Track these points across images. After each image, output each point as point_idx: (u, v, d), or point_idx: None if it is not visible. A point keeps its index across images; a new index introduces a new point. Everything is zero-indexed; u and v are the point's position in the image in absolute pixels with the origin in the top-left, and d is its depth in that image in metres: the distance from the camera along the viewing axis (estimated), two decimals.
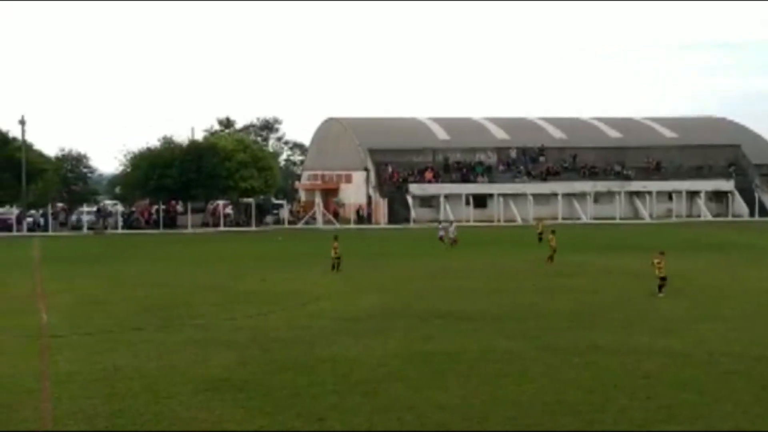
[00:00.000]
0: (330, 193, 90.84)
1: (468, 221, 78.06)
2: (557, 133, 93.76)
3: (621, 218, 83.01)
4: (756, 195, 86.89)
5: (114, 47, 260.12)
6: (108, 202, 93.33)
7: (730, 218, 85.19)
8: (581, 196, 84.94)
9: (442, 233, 57.33)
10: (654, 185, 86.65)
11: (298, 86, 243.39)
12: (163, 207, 77.37)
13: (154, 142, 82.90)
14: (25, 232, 72.43)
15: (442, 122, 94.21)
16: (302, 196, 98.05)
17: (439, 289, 33.67)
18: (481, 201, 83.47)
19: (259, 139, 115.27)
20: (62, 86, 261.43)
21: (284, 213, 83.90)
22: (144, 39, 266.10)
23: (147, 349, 22.27)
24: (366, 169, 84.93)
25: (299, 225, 79.32)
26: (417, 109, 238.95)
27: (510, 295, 31.75)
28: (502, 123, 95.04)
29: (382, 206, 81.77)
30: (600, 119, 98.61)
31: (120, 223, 76.55)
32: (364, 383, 18.42)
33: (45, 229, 74.67)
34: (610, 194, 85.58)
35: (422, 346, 22.35)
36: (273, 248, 55.86)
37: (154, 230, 74.86)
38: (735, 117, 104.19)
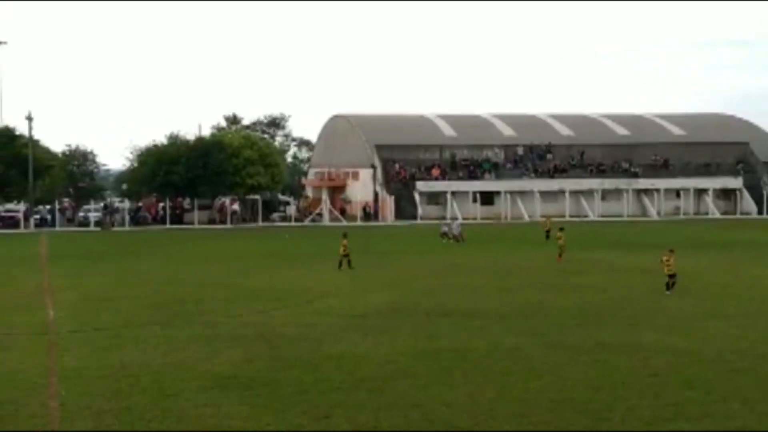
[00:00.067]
0: (337, 190, 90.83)
1: (475, 218, 78.05)
2: (564, 130, 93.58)
3: (628, 216, 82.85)
4: (764, 192, 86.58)
5: (121, 44, 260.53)
6: (115, 198, 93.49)
7: (738, 216, 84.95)
8: (589, 193, 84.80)
9: (445, 229, 57.36)
10: (662, 182, 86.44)
11: (305, 83, 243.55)
12: (169, 204, 77.48)
13: (160, 138, 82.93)
14: (32, 229, 72.58)
15: (449, 119, 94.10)
16: (309, 193, 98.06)
17: (446, 287, 33.63)
18: (488, 198, 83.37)
19: (266, 135, 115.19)
20: (69, 83, 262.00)
21: (291, 210, 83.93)
22: (151, 36, 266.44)
23: (154, 346, 22.29)
24: (373, 166, 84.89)
25: (306, 222, 79.33)
26: (424, 105, 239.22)
27: (517, 293, 31.70)
28: (510, 120, 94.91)
29: (389, 203, 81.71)
30: (607, 116, 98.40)
31: (127, 220, 76.68)
32: (370, 380, 18.41)
33: (52, 225, 74.85)
34: (618, 191, 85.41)
35: (429, 344, 22.32)
36: (280, 245, 55.85)
37: (161, 227, 74.95)
38: (743, 114, 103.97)
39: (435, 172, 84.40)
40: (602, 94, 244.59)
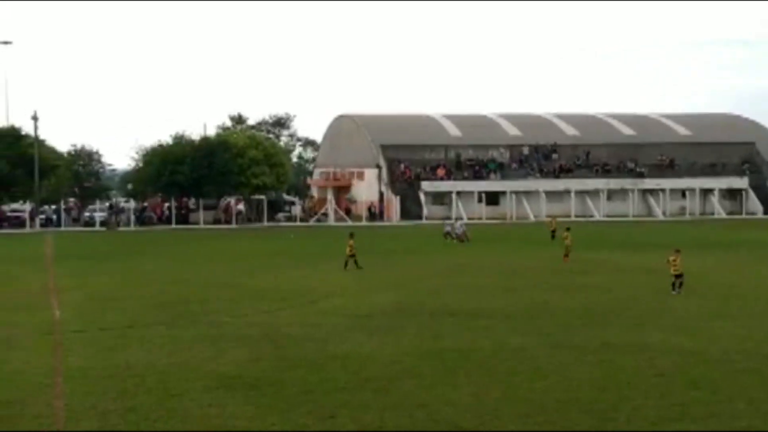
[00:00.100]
0: (342, 190, 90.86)
1: (480, 218, 78.03)
2: (570, 130, 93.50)
3: (634, 216, 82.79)
4: None
5: (127, 44, 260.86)
6: (120, 198, 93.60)
7: (744, 216, 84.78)
8: (594, 193, 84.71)
9: (448, 229, 57.33)
10: (667, 182, 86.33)
11: (311, 83, 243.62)
12: (175, 203, 77.57)
13: (166, 138, 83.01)
14: (37, 228, 72.71)
15: (455, 119, 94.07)
16: (314, 192, 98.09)
17: (451, 287, 33.61)
18: (493, 198, 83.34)
19: (271, 135, 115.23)
20: (74, 83, 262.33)
21: (296, 210, 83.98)
22: (157, 36, 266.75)
23: (159, 346, 22.31)
24: (378, 166, 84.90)
25: (311, 222, 79.36)
26: (429, 105, 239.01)
27: (522, 293, 31.67)
28: (515, 120, 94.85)
29: (394, 203, 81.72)
30: (613, 116, 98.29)
31: (132, 220, 76.78)
32: (375, 380, 18.40)
33: (57, 225, 74.98)
34: (624, 192, 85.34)
35: (434, 344, 22.30)
36: (285, 245, 55.88)
37: (166, 227, 75.04)
38: (749, 114, 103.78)
39: (440, 172, 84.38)
40: (603, 94, 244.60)
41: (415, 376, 18.83)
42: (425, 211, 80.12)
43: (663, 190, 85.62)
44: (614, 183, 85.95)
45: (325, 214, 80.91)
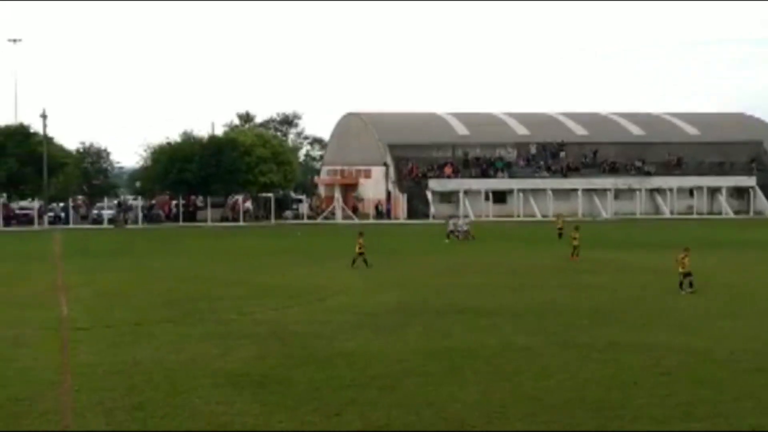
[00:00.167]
0: (349, 188, 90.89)
1: (487, 217, 78.00)
2: (578, 129, 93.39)
3: (641, 214, 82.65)
4: None
5: (135, 42, 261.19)
6: (128, 196, 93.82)
7: (751, 215, 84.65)
8: (602, 192, 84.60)
9: (451, 228, 57.30)
10: (675, 181, 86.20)
11: (318, 81, 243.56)
12: (182, 201, 77.71)
13: (174, 136, 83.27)
14: (46, 226, 72.92)
15: (462, 117, 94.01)
16: (322, 191, 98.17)
17: (458, 285, 33.62)
18: (500, 197, 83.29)
19: (278, 133, 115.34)
20: (83, 81, 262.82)
21: (303, 208, 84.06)
22: (165, 34, 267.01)
23: (167, 343, 22.37)
24: (385, 164, 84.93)
25: (318, 220, 79.40)
26: (437, 104, 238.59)
27: (529, 292, 31.67)
28: (523, 118, 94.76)
29: (401, 201, 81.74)
30: (621, 114, 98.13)
31: (140, 217, 76.97)
32: (382, 378, 18.43)
33: (66, 222, 75.20)
34: (631, 190, 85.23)
35: (441, 342, 22.33)
36: (292, 243, 55.95)
37: (174, 224, 75.17)
38: (757, 113, 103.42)
39: (447, 170, 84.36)
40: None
41: (421, 374, 18.86)
42: (432, 210, 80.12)
43: (670, 189, 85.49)
44: (622, 182, 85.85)
45: (333, 213, 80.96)
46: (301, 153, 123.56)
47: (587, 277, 35.88)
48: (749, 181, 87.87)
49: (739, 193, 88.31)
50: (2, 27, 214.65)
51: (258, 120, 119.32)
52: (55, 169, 77.85)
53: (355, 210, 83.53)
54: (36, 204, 76.89)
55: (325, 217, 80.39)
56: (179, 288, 33.25)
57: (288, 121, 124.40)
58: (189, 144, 79.88)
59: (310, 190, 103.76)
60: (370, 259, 39.53)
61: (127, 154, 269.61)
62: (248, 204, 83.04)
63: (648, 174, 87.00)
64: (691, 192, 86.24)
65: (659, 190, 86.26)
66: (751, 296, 30.71)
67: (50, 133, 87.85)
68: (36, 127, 78.76)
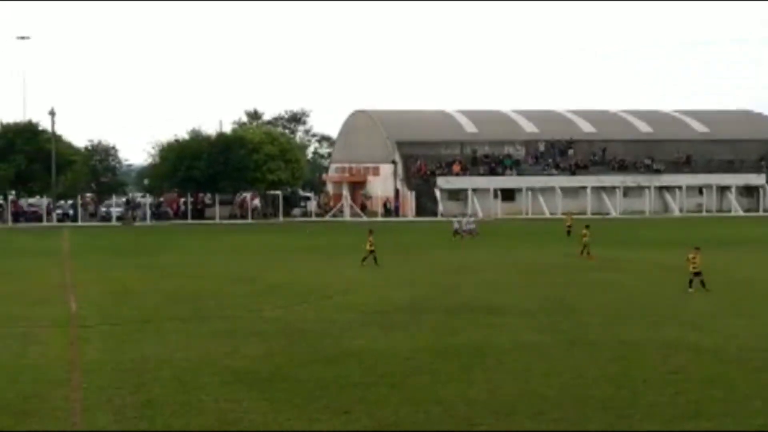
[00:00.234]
0: (357, 185, 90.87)
1: (496, 215, 77.93)
2: (587, 126, 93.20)
3: (650, 212, 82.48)
4: None
5: (144, 40, 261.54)
6: (137, 193, 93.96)
7: (761, 213, 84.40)
8: (610, 189, 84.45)
9: (456, 226, 57.15)
10: (684, 179, 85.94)
11: (326, 79, 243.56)
12: (191, 199, 77.83)
13: (182, 134, 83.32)
14: (54, 223, 73.10)
15: (471, 115, 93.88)
16: (330, 188, 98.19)
17: (467, 283, 33.59)
18: (509, 194, 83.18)
19: (287, 131, 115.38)
20: (92, 78, 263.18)
21: (311, 205, 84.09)
22: (173, 32, 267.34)
23: (175, 340, 22.40)
24: (394, 162, 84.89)
25: (326, 217, 79.43)
26: (445, 101, 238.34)
27: (538, 289, 31.63)
28: (531, 116, 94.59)
29: (409, 199, 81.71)
30: (630, 112, 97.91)
31: (148, 215, 77.09)
32: (391, 376, 18.41)
33: (74, 219, 75.39)
34: (640, 188, 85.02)
35: (450, 340, 22.30)
36: (300, 240, 55.98)
37: (182, 222, 75.28)
38: (767, 111, 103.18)
39: (456, 168, 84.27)
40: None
41: (430, 372, 18.84)
42: (441, 207, 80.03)
43: (679, 187, 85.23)
44: (630, 179, 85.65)
45: (341, 210, 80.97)
46: (309, 150, 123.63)
47: (596, 275, 35.82)
48: (759, 179, 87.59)
49: (749, 191, 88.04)
50: (11, 25, 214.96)
51: (266, 117, 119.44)
52: (63, 167, 77.99)
53: (363, 208, 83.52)
54: (44, 201, 77.04)
55: (333, 215, 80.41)
56: (187, 285, 33.28)
57: (296, 119, 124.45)
58: (197, 141, 79.96)
59: (318, 187, 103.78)
60: (379, 258, 39.48)
61: (136, 152, 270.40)
62: (256, 201, 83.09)
63: (657, 172, 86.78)
64: (700, 190, 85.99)
65: (668, 188, 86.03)
66: (761, 294, 30.62)
67: (59, 130, 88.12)
68: (44, 124, 79.02)
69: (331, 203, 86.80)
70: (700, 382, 17.94)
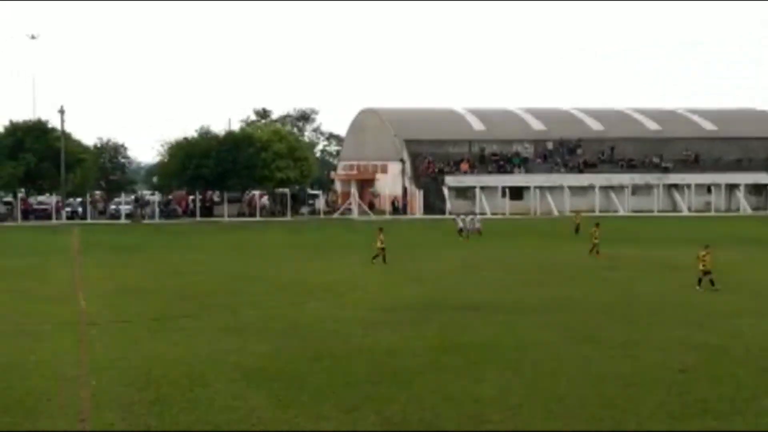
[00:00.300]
0: (365, 183, 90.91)
1: (504, 213, 77.88)
2: (595, 125, 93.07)
3: (659, 211, 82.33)
4: None
5: (153, 38, 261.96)
6: (145, 191, 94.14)
7: None
8: (619, 188, 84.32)
9: (461, 225, 57.06)
10: (693, 178, 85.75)
11: (335, 77, 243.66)
12: (199, 197, 77.96)
13: (191, 132, 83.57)
14: (63, 221, 73.28)
15: (479, 113, 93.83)
16: (338, 186, 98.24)
17: (475, 281, 33.61)
18: (517, 193, 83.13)
19: (295, 129, 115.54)
20: (101, 77, 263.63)
21: (320, 203, 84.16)
22: (182, 30, 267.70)
23: (184, 338, 22.45)
24: (402, 160, 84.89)
25: (335, 215, 79.47)
26: (453, 100, 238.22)
27: (546, 288, 31.62)
28: (540, 114, 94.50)
29: (417, 197, 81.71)
30: (638, 111, 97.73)
31: (157, 213, 77.25)
32: (399, 374, 18.43)
33: (83, 217, 75.59)
34: (648, 187, 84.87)
35: (458, 338, 22.32)
36: (309, 238, 56.03)
37: (191, 219, 75.41)
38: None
39: (464, 166, 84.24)
40: (634, 89, 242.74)
41: (438, 370, 18.85)
42: (449, 206, 80.00)
43: (688, 186, 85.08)
44: (639, 178, 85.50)
45: (349, 208, 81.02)
46: (318, 149, 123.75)
47: (604, 274, 35.80)
48: (767, 178, 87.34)
49: (757, 189, 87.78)
50: (21, 24, 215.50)
51: (274, 116, 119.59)
52: (72, 165, 78.19)
53: (371, 206, 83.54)
54: (54, 199, 77.24)
55: (342, 213, 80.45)
56: (196, 283, 33.37)
57: (304, 117, 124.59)
58: (206, 140, 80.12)
59: (326, 185, 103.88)
60: (387, 256, 39.51)
61: (145, 150, 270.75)
62: (265, 199, 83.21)
63: (665, 170, 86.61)
64: (708, 188, 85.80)
65: (677, 187, 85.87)
66: None
67: (68, 128, 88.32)
68: (54, 122, 79.22)
69: (339, 201, 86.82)
70: (707, 380, 17.92)
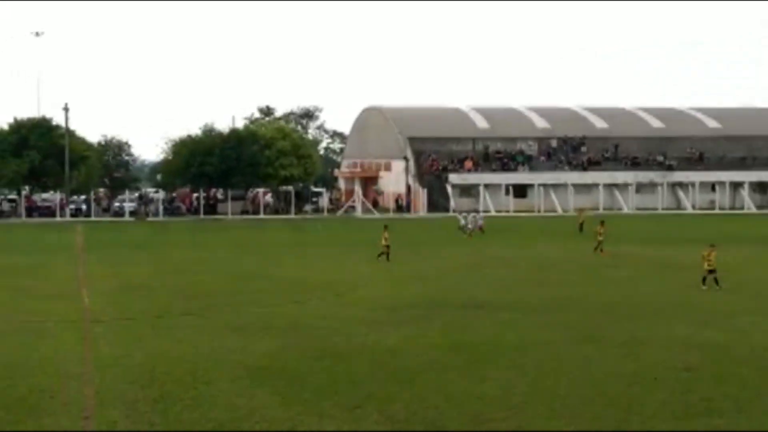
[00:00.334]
0: (369, 181, 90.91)
1: (508, 211, 77.84)
2: (599, 123, 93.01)
3: (663, 209, 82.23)
4: None
5: (155, 35, 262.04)
6: (149, 189, 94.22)
7: None
8: (623, 186, 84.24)
9: (462, 222, 57.05)
10: (697, 176, 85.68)
11: (339, 75, 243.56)
12: (203, 194, 78.02)
13: (195, 129, 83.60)
14: (67, 218, 73.36)
15: (483, 111, 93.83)
16: (342, 184, 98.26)
17: (478, 279, 33.59)
18: (521, 191, 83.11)
19: (299, 127, 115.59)
20: (105, 74, 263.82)
21: (323, 201, 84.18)
22: (186, 28, 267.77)
23: (187, 335, 22.47)
24: (405, 158, 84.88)
25: (338, 213, 79.48)
26: (457, 98, 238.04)
27: (549, 286, 31.59)
28: (544, 112, 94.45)
29: (421, 195, 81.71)
30: (642, 109, 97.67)
31: (161, 210, 77.32)
32: (401, 372, 18.43)
33: (87, 215, 75.68)
34: (652, 185, 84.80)
35: (460, 337, 22.30)
36: (312, 236, 56.05)
37: (195, 217, 75.46)
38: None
39: (468, 164, 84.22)
40: (638, 88, 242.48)
41: (441, 368, 18.84)
42: (452, 204, 80.00)
43: (692, 184, 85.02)
44: (643, 176, 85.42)
45: (353, 206, 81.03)
46: (321, 146, 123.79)
47: (608, 272, 35.76)
48: None
49: (762, 187, 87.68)
50: (25, 21, 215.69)
51: (278, 114, 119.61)
52: (76, 162, 78.32)
53: (375, 204, 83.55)
54: (58, 196, 77.32)
55: (345, 211, 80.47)
56: (199, 281, 33.39)
57: (308, 115, 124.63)
58: (210, 137, 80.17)
59: (330, 183, 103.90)
60: (390, 254, 39.52)
61: (149, 148, 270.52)
62: (268, 197, 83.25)
63: (670, 168, 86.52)
64: (713, 187, 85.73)
65: (681, 185, 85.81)
66: None
67: (72, 126, 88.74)
68: (58, 120, 79.33)
69: (343, 199, 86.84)
70: (711, 379, 17.90)
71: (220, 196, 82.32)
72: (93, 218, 74.16)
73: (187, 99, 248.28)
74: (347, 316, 25.46)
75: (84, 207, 77.74)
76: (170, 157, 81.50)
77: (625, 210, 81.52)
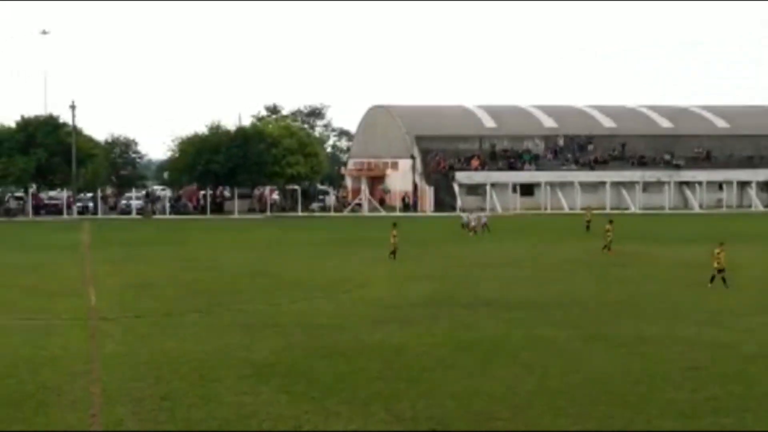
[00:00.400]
0: (376, 180, 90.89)
1: (515, 209, 77.76)
2: (606, 122, 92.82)
3: (670, 208, 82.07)
4: None
5: (163, 34, 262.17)
6: (156, 187, 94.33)
7: None
8: (630, 185, 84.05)
9: (465, 221, 56.94)
10: (704, 175, 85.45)
11: (345, 73, 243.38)
12: (210, 192, 78.08)
13: (201, 128, 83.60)
14: (74, 216, 73.49)
15: (489, 109, 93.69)
16: (348, 183, 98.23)
17: (484, 278, 33.56)
18: (528, 189, 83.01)
19: (305, 125, 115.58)
20: (112, 72, 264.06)
21: (330, 200, 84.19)
22: (193, 25, 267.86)
23: (194, 333, 22.50)
24: (412, 157, 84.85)
25: (345, 212, 79.50)
26: (464, 96, 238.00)
27: (556, 285, 31.56)
28: (550, 111, 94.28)
29: (428, 194, 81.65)
30: (650, 107, 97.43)
31: (167, 208, 77.40)
32: (408, 370, 18.44)
33: (94, 212, 75.81)
34: (660, 184, 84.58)
35: (467, 335, 22.30)
36: (319, 235, 56.03)
37: (202, 215, 75.54)
38: None
39: (474, 163, 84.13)
40: (646, 86, 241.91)
41: (448, 366, 18.85)
42: (459, 202, 79.92)
43: (699, 183, 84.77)
44: (650, 175, 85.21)
45: (359, 204, 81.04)
46: (328, 145, 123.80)
47: (615, 271, 35.71)
48: None
49: None
50: (32, 19, 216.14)
51: (285, 112, 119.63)
52: (83, 160, 78.46)
53: (381, 202, 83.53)
54: (65, 194, 77.48)
55: (352, 209, 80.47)
56: (206, 279, 33.42)
57: (315, 113, 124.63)
58: (216, 135, 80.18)
59: (336, 181, 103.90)
60: (397, 252, 39.52)
61: (155, 146, 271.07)
62: (275, 195, 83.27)
63: (677, 167, 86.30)
64: (720, 185, 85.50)
65: (688, 184, 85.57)
66: None
67: (79, 124, 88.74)
68: (65, 118, 79.48)
69: (350, 198, 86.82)
70: (718, 378, 17.87)
71: (226, 194, 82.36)
72: (100, 216, 74.29)
73: (194, 97, 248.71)
74: (354, 314, 25.48)
75: (91, 205, 77.86)
76: (177, 155, 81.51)
77: (632, 209, 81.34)
